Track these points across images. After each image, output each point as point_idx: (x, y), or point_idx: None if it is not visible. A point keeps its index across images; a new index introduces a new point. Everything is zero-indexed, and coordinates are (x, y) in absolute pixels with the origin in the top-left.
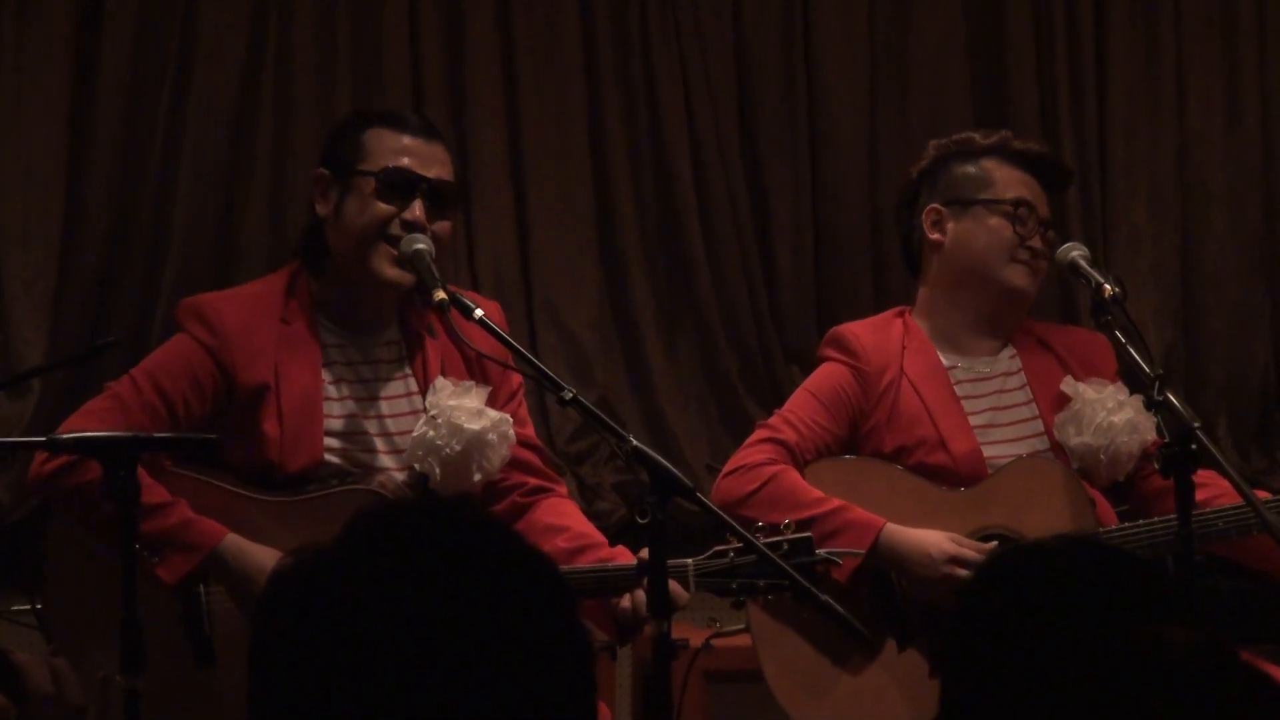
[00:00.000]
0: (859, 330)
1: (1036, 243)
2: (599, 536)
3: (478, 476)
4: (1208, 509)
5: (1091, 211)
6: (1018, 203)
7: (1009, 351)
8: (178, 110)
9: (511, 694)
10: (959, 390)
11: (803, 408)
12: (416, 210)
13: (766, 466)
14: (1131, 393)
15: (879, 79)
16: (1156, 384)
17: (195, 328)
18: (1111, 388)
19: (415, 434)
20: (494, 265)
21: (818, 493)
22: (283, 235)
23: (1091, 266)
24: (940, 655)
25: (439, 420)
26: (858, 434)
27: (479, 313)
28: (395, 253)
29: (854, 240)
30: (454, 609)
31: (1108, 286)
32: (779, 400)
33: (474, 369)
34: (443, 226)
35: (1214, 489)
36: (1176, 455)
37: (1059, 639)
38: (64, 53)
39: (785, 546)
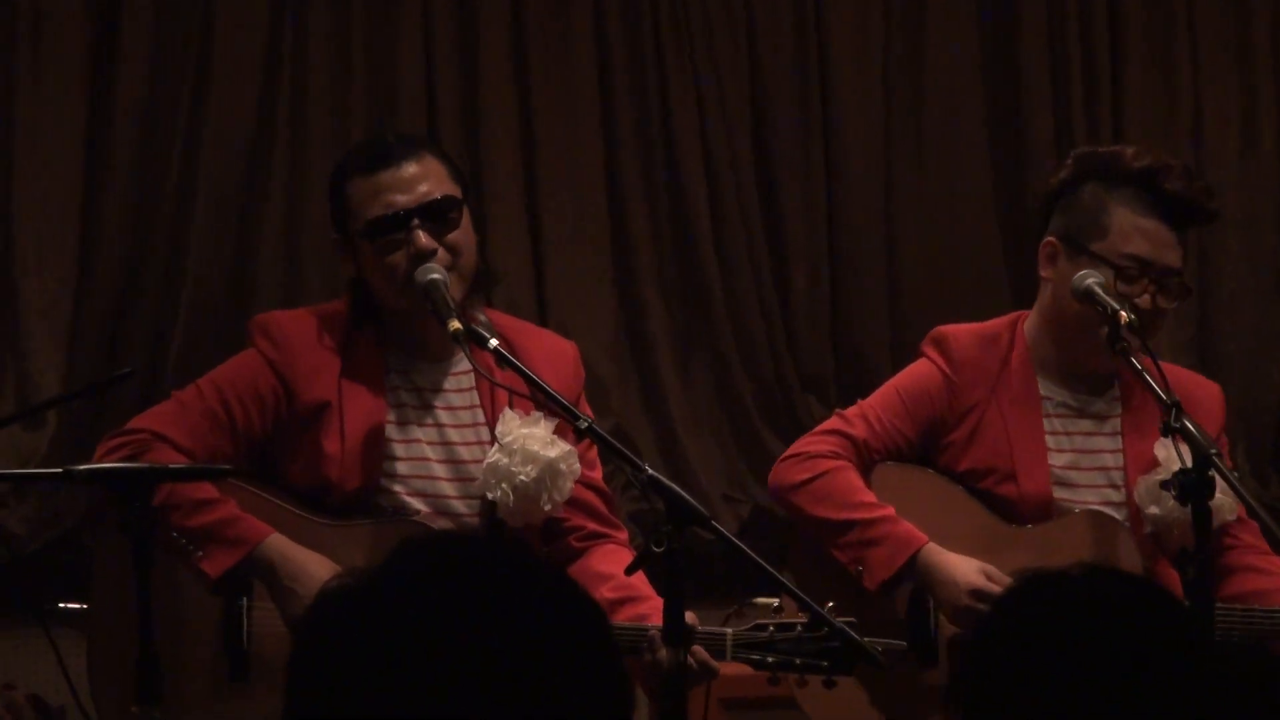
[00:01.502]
0: (964, 337)
1: (1145, 301)
2: (645, 590)
3: (548, 507)
4: (1255, 606)
5: None
6: (1126, 263)
7: (1113, 393)
8: (193, 139)
9: None
10: (1048, 425)
11: (884, 405)
12: (419, 242)
13: (826, 459)
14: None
15: (893, 105)
16: (1173, 410)
17: (261, 342)
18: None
19: (488, 461)
20: (508, 291)
21: (870, 497)
22: (299, 263)
23: (1107, 293)
24: (955, 681)
25: (512, 447)
26: (935, 444)
27: (493, 343)
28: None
29: (869, 265)
30: (497, 647)
31: (1124, 313)
32: (795, 428)
33: (540, 405)
34: (454, 238)
35: (1277, 579)
36: (1194, 482)
37: (1077, 666)
38: (79, 82)
39: (825, 629)
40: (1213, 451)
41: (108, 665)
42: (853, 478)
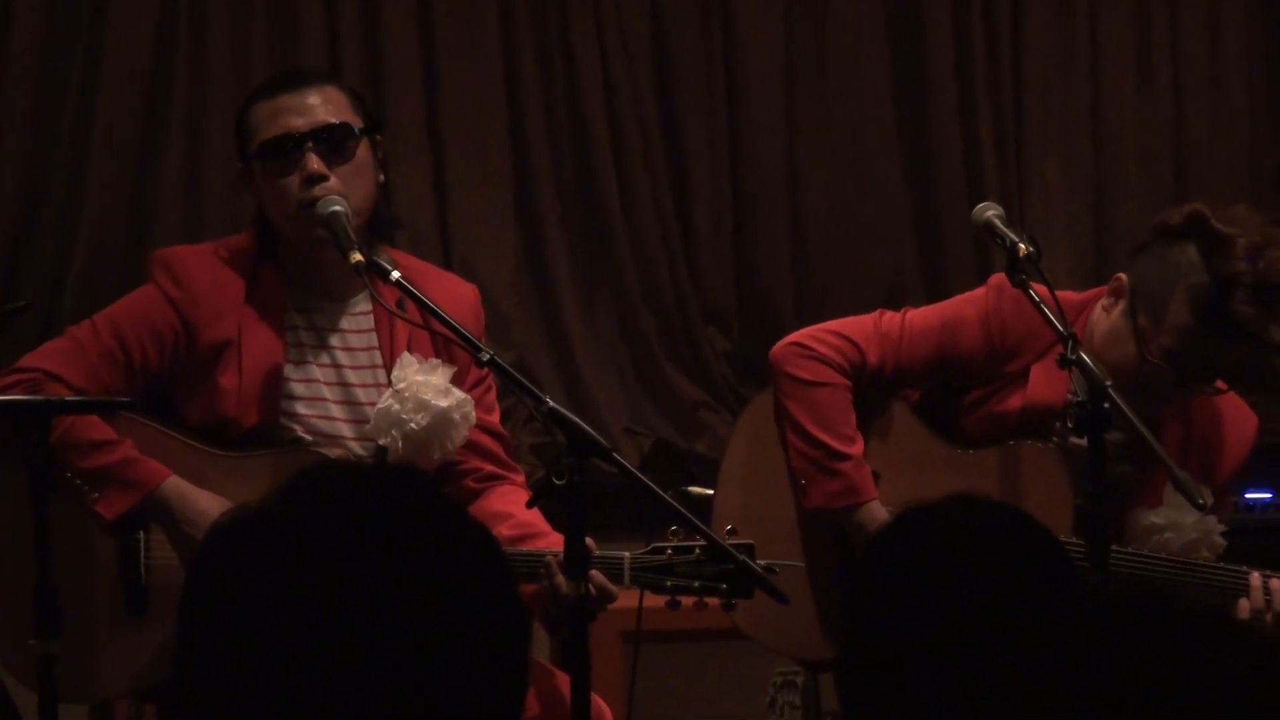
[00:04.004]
0: (1026, 307)
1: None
2: (543, 526)
3: (437, 455)
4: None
5: (1006, 169)
6: (1157, 357)
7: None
8: (90, 73)
9: (441, 660)
10: (1057, 428)
11: (918, 340)
12: (310, 165)
13: (832, 370)
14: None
15: (795, 40)
16: (1070, 342)
17: (163, 279)
18: (1206, 518)
19: (379, 406)
20: (412, 227)
21: (850, 428)
22: (198, 198)
23: (1007, 226)
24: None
25: (405, 394)
26: (953, 383)
27: (395, 275)
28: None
29: (771, 200)
30: (388, 572)
31: (1022, 245)
32: (698, 361)
33: (441, 350)
34: (348, 169)
35: None
36: (1089, 413)
37: (952, 594)
38: None
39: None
40: (1107, 383)
41: (4, 599)
42: (845, 401)
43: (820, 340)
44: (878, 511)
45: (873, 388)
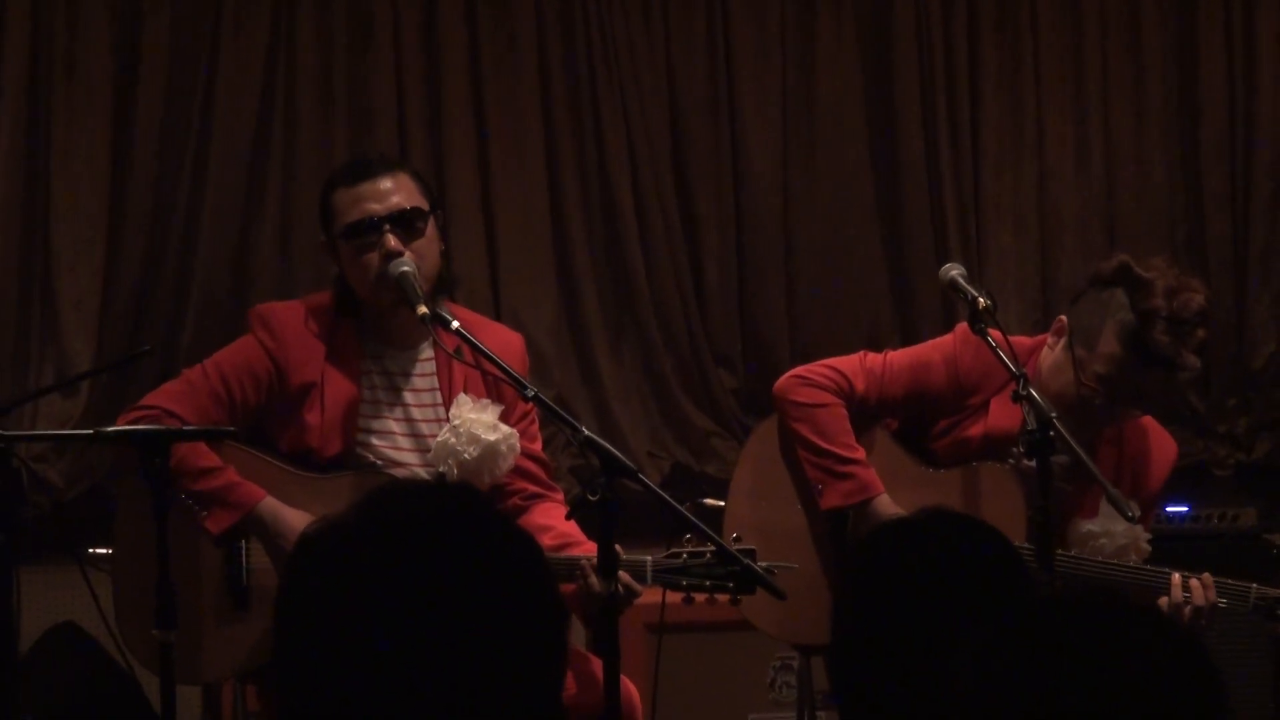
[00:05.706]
0: (984, 352)
1: (1098, 400)
2: (579, 536)
3: (488, 479)
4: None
5: (967, 236)
6: (1092, 381)
7: (1094, 448)
8: (201, 156)
9: (495, 646)
10: (1013, 456)
11: (898, 368)
12: (389, 244)
13: (829, 394)
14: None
15: (790, 127)
16: (1021, 380)
17: (260, 331)
18: (1135, 527)
19: (439, 439)
20: (469, 284)
21: (852, 438)
22: (290, 259)
23: (968, 283)
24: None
25: (460, 429)
26: (924, 414)
27: (455, 324)
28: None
29: (770, 263)
30: (450, 573)
31: (981, 300)
32: (709, 397)
33: (491, 390)
34: (420, 244)
35: None
36: (1038, 441)
37: (924, 590)
38: (104, 109)
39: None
40: (1053, 415)
41: (131, 596)
42: (843, 418)
43: (816, 372)
44: (888, 503)
45: (859, 415)
